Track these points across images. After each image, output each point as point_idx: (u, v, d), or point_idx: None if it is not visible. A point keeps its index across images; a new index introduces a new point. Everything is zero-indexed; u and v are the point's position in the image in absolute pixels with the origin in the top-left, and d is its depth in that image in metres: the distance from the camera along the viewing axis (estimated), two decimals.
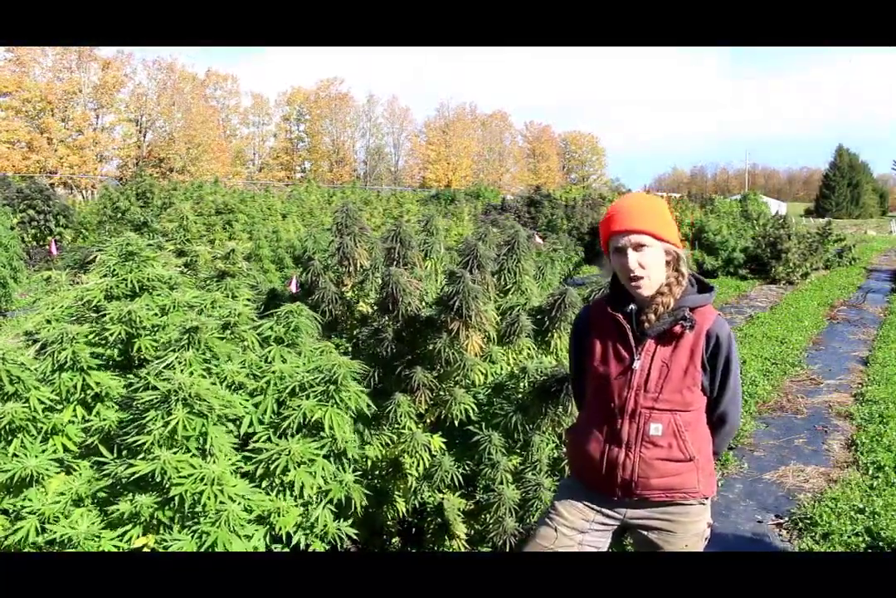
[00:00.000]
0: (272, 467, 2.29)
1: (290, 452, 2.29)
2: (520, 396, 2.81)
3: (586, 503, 1.99)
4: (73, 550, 2.07)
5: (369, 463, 2.80)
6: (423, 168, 57.35)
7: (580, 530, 1.97)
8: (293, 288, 3.79)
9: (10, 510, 2.21)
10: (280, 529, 2.26)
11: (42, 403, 2.28)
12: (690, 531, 1.94)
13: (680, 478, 1.89)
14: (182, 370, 2.25)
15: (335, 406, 2.40)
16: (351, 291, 3.50)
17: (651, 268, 1.85)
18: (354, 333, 3.38)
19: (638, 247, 1.85)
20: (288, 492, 2.32)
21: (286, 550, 2.34)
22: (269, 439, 2.39)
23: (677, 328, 1.86)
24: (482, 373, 2.94)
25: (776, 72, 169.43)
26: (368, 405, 2.54)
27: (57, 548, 2.10)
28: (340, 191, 23.39)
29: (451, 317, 2.80)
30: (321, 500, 2.38)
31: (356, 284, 3.48)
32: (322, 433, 2.40)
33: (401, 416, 2.77)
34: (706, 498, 1.96)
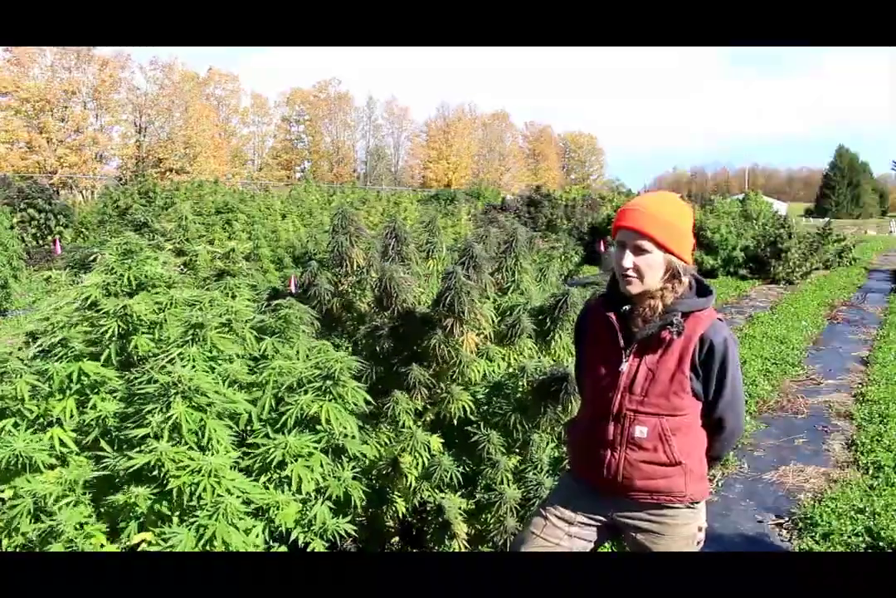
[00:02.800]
0: (269, 460, 2.29)
1: (286, 445, 2.29)
2: (519, 395, 2.81)
3: (577, 496, 2.01)
4: (62, 539, 2.06)
5: (367, 462, 2.80)
6: (424, 168, 57.34)
7: (568, 521, 1.99)
8: (292, 288, 3.79)
9: (6, 499, 2.20)
10: (280, 523, 2.26)
11: (31, 386, 2.27)
12: (679, 533, 1.92)
13: (666, 481, 1.87)
14: (185, 366, 2.25)
15: (333, 401, 2.41)
16: (348, 290, 3.51)
17: (644, 272, 1.82)
18: (353, 332, 3.39)
19: (637, 250, 1.81)
20: (286, 487, 2.32)
21: (285, 548, 2.34)
22: (267, 435, 2.39)
23: (664, 333, 1.83)
24: (479, 371, 2.93)
25: (776, 72, 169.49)
26: (367, 402, 2.54)
27: (48, 539, 2.10)
28: (340, 190, 23.35)
29: (445, 313, 2.80)
30: (319, 496, 2.38)
31: (353, 283, 3.49)
32: (319, 427, 2.40)
33: (399, 413, 2.77)
34: (695, 502, 1.94)
